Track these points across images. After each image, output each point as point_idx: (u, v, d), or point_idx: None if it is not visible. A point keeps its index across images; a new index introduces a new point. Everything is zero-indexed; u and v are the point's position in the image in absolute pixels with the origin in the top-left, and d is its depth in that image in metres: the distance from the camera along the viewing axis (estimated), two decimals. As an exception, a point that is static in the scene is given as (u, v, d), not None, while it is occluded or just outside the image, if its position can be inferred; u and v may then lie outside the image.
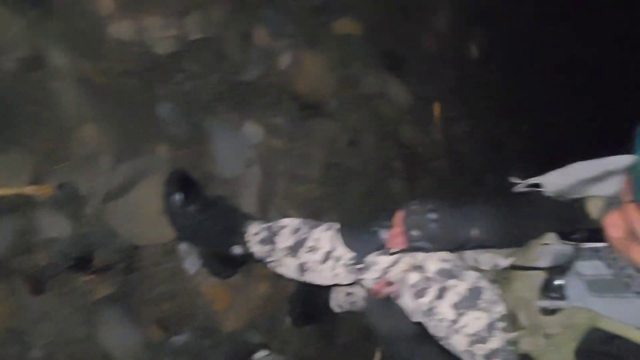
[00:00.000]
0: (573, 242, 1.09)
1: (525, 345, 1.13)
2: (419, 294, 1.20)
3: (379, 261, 1.25)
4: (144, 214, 1.44)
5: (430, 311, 1.19)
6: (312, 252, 1.32)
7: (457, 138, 2.90)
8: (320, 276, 1.33)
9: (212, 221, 1.43)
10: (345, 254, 1.28)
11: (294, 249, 1.34)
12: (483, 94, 3.19)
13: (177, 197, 1.43)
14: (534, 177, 1.17)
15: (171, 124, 1.58)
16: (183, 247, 1.57)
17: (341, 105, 2.11)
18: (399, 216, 1.17)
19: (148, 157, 1.51)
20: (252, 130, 1.80)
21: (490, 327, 1.16)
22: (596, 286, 1.01)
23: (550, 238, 1.16)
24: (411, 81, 2.51)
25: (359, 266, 1.26)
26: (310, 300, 1.82)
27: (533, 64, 3.72)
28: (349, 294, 1.71)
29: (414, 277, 1.21)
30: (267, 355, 1.78)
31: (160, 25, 1.55)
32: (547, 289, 1.08)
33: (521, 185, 1.19)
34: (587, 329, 1.02)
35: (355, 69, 2.16)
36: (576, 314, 1.04)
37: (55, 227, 1.36)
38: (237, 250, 1.44)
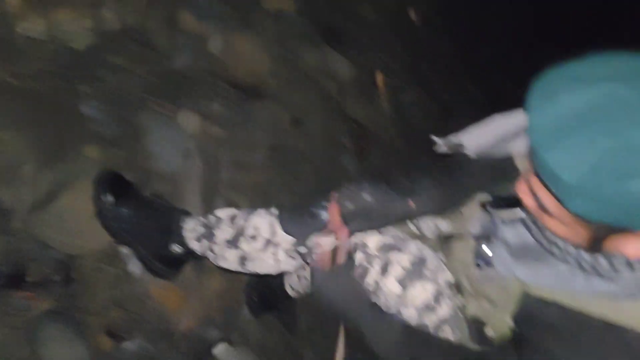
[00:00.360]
0: (495, 210, 1.08)
1: (472, 310, 1.13)
2: (364, 273, 1.19)
3: (321, 243, 1.22)
4: (76, 221, 1.36)
5: (376, 288, 1.18)
6: (252, 241, 1.28)
7: (405, 107, 2.88)
8: (262, 265, 1.30)
9: (147, 222, 1.37)
10: (285, 239, 1.25)
11: (233, 241, 1.30)
12: (428, 60, 3.18)
13: (108, 199, 1.36)
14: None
15: (99, 122, 1.50)
16: (125, 249, 1.50)
17: (281, 85, 2.05)
18: (333, 198, 1.14)
19: (75, 160, 1.43)
20: (189, 121, 1.72)
21: (438, 295, 1.16)
22: (520, 253, 1.01)
23: (475, 208, 1.15)
24: (352, 53, 2.46)
25: (300, 250, 1.23)
26: (265, 288, 1.79)
27: (476, 24, 3.72)
28: (300, 277, 1.69)
29: (357, 257, 1.19)
30: (228, 348, 1.74)
31: (73, 18, 1.45)
32: (478, 257, 1.08)
33: (441, 144, 1.16)
34: (521, 292, 1.01)
35: (292, 46, 2.09)
36: (508, 280, 1.04)
37: (-20, 245, 1.28)
38: (176, 249, 1.39)
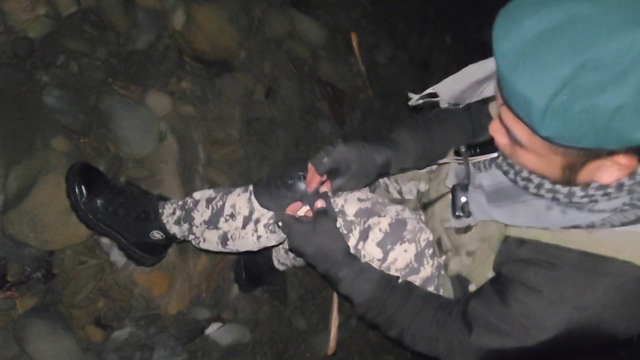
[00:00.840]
0: (470, 157, 1.08)
1: (454, 266, 1.15)
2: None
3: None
4: (51, 217, 1.33)
5: (357, 254, 1.18)
6: (231, 220, 1.27)
7: (380, 64, 2.83)
8: (244, 242, 1.29)
9: (123, 210, 1.35)
10: (264, 213, 1.24)
11: (212, 221, 1.28)
12: (400, 13, 3.10)
13: (81, 192, 1.32)
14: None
15: (63, 112, 1.44)
16: (105, 239, 1.48)
17: (250, 55, 1.99)
18: (310, 166, 1.13)
19: (43, 153, 1.38)
20: (158, 101, 1.67)
21: (419, 256, 1.17)
22: (496, 196, 1.01)
23: (449, 156, 1.15)
24: (321, 14, 2.39)
25: (280, 223, 1.22)
26: (253, 263, 1.78)
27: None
28: (287, 250, 1.68)
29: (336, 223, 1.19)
30: (220, 327, 1.75)
31: (25, 6, 1.38)
32: (455, 208, 1.08)
33: (417, 97, 1.15)
34: (500, 238, 1.02)
35: (258, 13, 2.02)
36: (487, 226, 1.05)
37: (-46, 250, 1.25)
38: (156, 235, 1.37)
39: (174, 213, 1.34)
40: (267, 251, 1.75)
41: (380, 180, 1.48)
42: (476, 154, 1.07)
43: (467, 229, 1.10)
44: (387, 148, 1.17)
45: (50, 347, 1.34)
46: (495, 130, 0.89)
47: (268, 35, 2.08)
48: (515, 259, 0.98)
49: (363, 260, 1.18)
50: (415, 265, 1.17)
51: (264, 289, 1.91)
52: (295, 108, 2.19)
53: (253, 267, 1.78)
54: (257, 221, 1.25)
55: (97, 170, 1.40)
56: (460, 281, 1.17)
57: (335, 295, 2.11)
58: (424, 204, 1.31)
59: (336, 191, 1.18)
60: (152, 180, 1.63)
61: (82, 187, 1.33)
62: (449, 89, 1.11)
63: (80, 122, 1.47)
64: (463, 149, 1.10)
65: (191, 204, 1.33)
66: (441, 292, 1.20)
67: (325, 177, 1.16)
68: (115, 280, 1.52)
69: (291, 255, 1.69)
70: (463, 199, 1.07)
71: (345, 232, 1.19)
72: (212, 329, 1.73)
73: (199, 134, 1.80)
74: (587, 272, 0.88)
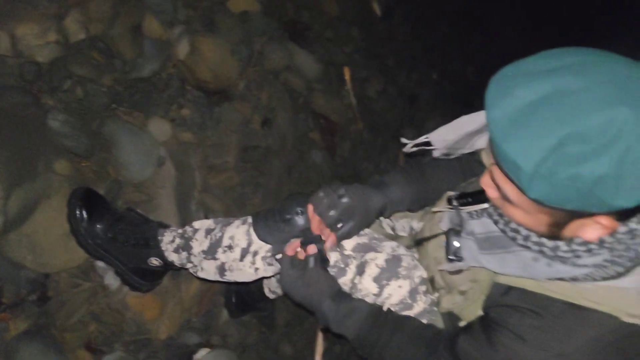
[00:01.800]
0: (462, 207, 1.13)
1: (446, 304, 1.18)
2: (340, 273, 1.22)
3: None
4: (49, 240, 1.34)
5: (353, 288, 1.21)
6: (229, 251, 1.29)
7: (370, 98, 2.91)
8: (242, 274, 1.31)
9: (122, 237, 1.36)
10: (262, 246, 1.27)
11: (210, 251, 1.31)
12: (391, 49, 3.20)
13: (82, 216, 1.34)
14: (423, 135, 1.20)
15: (67, 136, 1.46)
16: (100, 263, 1.49)
17: (249, 85, 2.04)
18: (311, 209, 1.16)
19: (46, 176, 1.40)
20: (159, 127, 1.70)
21: (413, 292, 1.21)
22: (486, 244, 1.06)
23: (442, 205, 1.20)
24: (317, 49, 2.46)
25: (277, 257, 1.25)
26: (244, 289, 1.80)
27: (435, 12, 3.75)
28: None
29: (333, 258, 1.22)
30: (209, 352, 1.76)
31: (37, 31, 1.40)
32: (448, 252, 1.12)
33: (410, 144, 1.21)
34: (490, 282, 1.07)
35: (258, 46, 2.08)
36: (478, 270, 1.09)
37: (-48, 270, 1.25)
38: (154, 262, 1.39)
39: (173, 241, 1.37)
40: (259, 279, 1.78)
41: None
42: (468, 204, 1.12)
43: (459, 271, 1.15)
44: (382, 194, 1.21)
45: (42, 370, 1.34)
46: (486, 185, 0.94)
47: (267, 67, 2.13)
48: (503, 304, 1.03)
49: (359, 294, 1.22)
50: (409, 302, 1.22)
51: (252, 314, 1.93)
52: (289, 137, 2.24)
53: (244, 293, 1.80)
54: (255, 254, 1.28)
55: (99, 195, 1.42)
56: (451, 318, 1.21)
57: (319, 332, 2.14)
58: (417, 241, 1.35)
59: (340, 241, 1.21)
60: (150, 205, 1.65)
61: (83, 211, 1.34)
62: (443, 139, 1.17)
63: (83, 146, 1.49)
64: (454, 200, 1.14)
65: (190, 233, 1.35)
66: None
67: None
68: (107, 303, 1.52)
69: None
70: (456, 244, 1.11)
71: (342, 266, 1.22)
72: (201, 355, 1.73)
73: (196, 160, 1.83)
74: (569, 321, 0.93)
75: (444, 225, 1.17)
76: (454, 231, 1.13)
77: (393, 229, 1.53)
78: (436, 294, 1.24)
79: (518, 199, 0.85)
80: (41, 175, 1.40)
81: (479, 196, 1.08)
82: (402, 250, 1.27)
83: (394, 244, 1.28)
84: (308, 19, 2.43)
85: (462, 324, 1.17)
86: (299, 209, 1.23)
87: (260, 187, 2.06)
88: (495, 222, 1.03)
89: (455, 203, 1.14)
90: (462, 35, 3.99)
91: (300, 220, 1.23)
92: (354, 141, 2.70)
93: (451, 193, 1.17)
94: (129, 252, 1.38)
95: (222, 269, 1.32)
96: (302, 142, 2.35)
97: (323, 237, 1.18)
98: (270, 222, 1.26)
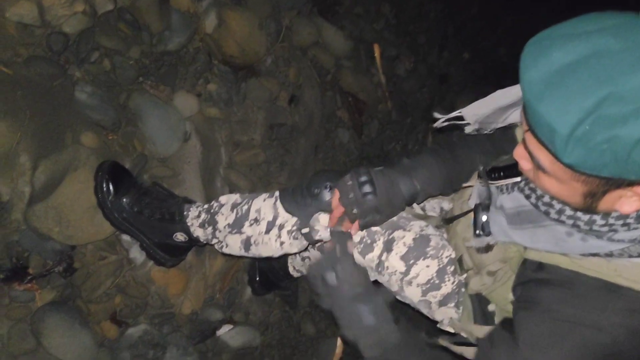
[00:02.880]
0: (493, 181, 1.09)
1: (474, 285, 1.15)
2: (366, 249, 1.19)
3: (323, 221, 1.21)
4: (76, 212, 1.34)
5: (380, 266, 1.19)
6: (255, 224, 1.27)
7: (400, 77, 2.84)
8: (266, 248, 1.29)
9: (148, 211, 1.36)
10: (288, 220, 1.25)
11: (236, 225, 1.29)
12: (422, 27, 3.11)
13: (109, 190, 1.34)
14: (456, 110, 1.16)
15: (94, 108, 1.46)
16: (126, 236, 1.49)
17: (277, 61, 2.01)
18: (336, 197, 1.13)
19: (73, 148, 1.40)
20: (185, 102, 1.68)
21: (441, 272, 1.18)
22: (517, 218, 1.02)
23: (473, 180, 1.16)
24: (347, 25, 2.40)
25: (303, 230, 1.23)
26: (268, 267, 1.79)
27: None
28: (304, 258, 1.69)
29: (359, 234, 1.19)
30: (232, 329, 1.76)
31: (64, 1, 1.38)
32: (476, 227, 1.09)
33: (442, 119, 1.16)
34: (520, 260, 1.04)
35: (286, 21, 2.04)
36: (507, 247, 1.06)
37: (-20, 239, 1.26)
38: (179, 237, 1.38)
39: (199, 216, 1.35)
40: (283, 257, 1.77)
41: None
42: (499, 178, 1.08)
43: (488, 248, 1.11)
44: (412, 181, 1.15)
45: (66, 341, 1.36)
46: (519, 156, 0.90)
47: (295, 42, 2.09)
48: (532, 279, 0.99)
49: (386, 272, 1.19)
50: (437, 282, 1.19)
51: (275, 293, 1.92)
52: (316, 116, 2.20)
53: (268, 271, 1.79)
54: (280, 227, 1.26)
55: (126, 169, 1.42)
56: (479, 300, 1.18)
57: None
58: (447, 221, 1.32)
59: (363, 229, 1.18)
60: (175, 180, 1.64)
61: (110, 185, 1.34)
62: (475, 113, 1.12)
63: (110, 119, 1.48)
64: (487, 173, 1.11)
65: (216, 208, 1.34)
66: (460, 310, 1.21)
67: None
68: (133, 277, 1.53)
69: (307, 263, 1.71)
70: (484, 218, 1.08)
71: (369, 242, 1.19)
72: (224, 331, 1.74)
73: (222, 136, 1.81)
74: (604, 298, 0.89)
75: (473, 202, 1.14)
76: (483, 205, 1.10)
77: (423, 209, 1.49)
78: (464, 275, 1.21)
79: (552, 167, 0.81)
80: (68, 147, 1.40)
81: (511, 170, 1.04)
82: (430, 230, 1.23)
83: (422, 223, 1.25)
84: (338, -7, 2.37)
85: (490, 307, 1.14)
86: (327, 184, 1.21)
87: (286, 165, 2.03)
88: (527, 197, 0.99)
89: (486, 178, 1.10)
90: (494, 14, 3.87)
91: (327, 195, 1.21)
92: (381, 121, 2.65)
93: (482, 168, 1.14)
94: (155, 227, 1.38)
95: (247, 243, 1.30)
96: (329, 120, 2.31)
97: (343, 228, 1.15)
98: (298, 195, 1.24)
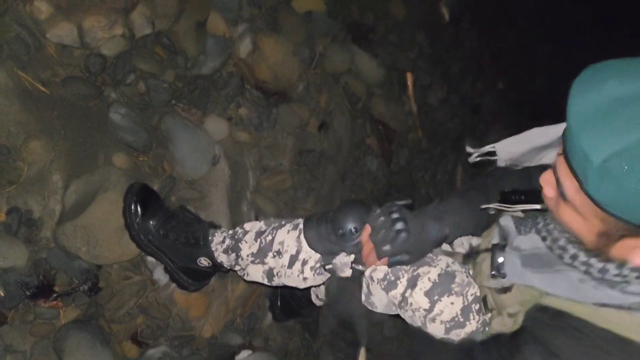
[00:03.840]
0: (512, 205, 1.08)
1: (496, 326, 1.12)
2: (390, 286, 1.17)
3: (348, 262, 1.20)
4: (104, 232, 1.36)
5: (403, 302, 1.16)
6: (278, 257, 1.27)
7: (431, 106, 2.83)
8: (289, 280, 1.29)
9: (174, 234, 1.36)
10: (311, 256, 1.24)
11: (259, 255, 1.28)
12: (456, 56, 3.10)
13: (137, 212, 1.35)
14: (488, 144, 1.14)
15: (127, 130, 1.48)
16: (151, 258, 1.50)
17: (308, 87, 2.02)
18: (367, 232, 1.12)
19: (104, 169, 1.42)
20: (216, 126, 1.70)
21: (466, 310, 1.15)
22: (532, 261, 1.00)
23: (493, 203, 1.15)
24: (380, 52, 2.41)
25: (327, 267, 1.21)
26: (290, 294, 1.78)
27: (505, 20, 3.62)
28: (328, 288, 1.67)
29: (382, 269, 1.17)
30: (250, 354, 1.75)
31: (104, 24, 1.42)
32: (492, 267, 1.07)
33: (476, 153, 1.15)
34: (533, 304, 1.01)
35: (320, 48, 2.05)
36: (525, 291, 1.03)
37: (9, 255, 1.28)
38: (203, 262, 1.38)
39: (223, 241, 1.35)
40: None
41: None
42: (519, 202, 1.07)
43: (506, 289, 1.08)
44: (442, 228, 1.15)
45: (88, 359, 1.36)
46: (546, 181, 0.89)
47: (327, 69, 2.10)
48: (548, 325, 0.96)
49: (409, 308, 1.17)
50: (462, 320, 1.15)
51: (296, 320, 1.90)
52: (345, 143, 2.20)
53: (290, 298, 1.77)
54: (304, 262, 1.25)
55: (154, 191, 1.43)
56: None
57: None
58: (470, 255, 1.29)
59: (391, 267, 1.16)
60: (202, 203, 1.65)
61: (138, 207, 1.35)
62: (508, 151, 1.11)
63: (142, 141, 1.50)
64: (509, 194, 1.10)
65: (240, 235, 1.33)
66: None
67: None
68: (155, 298, 1.53)
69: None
70: (500, 260, 1.06)
71: (393, 278, 1.17)
72: (242, 356, 1.73)
73: (251, 161, 1.82)
74: (610, 353, 0.85)
75: (494, 240, 1.11)
76: (499, 246, 1.07)
77: (451, 245, 1.46)
78: (489, 314, 1.17)
79: (575, 197, 0.79)
80: (100, 168, 1.42)
81: (533, 196, 1.03)
82: (456, 267, 1.21)
83: (449, 259, 1.22)
84: (373, 21, 2.38)
85: None
86: (352, 227, 1.19)
87: (313, 191, 2.03)
88: (543, 238, 0.98)
89: (506, 201, 1.09)
90: (532, 44, 3.84)
91: (352, 238, 1.19)
92: (411, 149, 2.63)
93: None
94: (179, 251, 1.38)
95: (270, 274, 1.30)
96: (358, 148, 2.30)
97: (368, 264, 1.14)
98: (323, 232, 1.22)
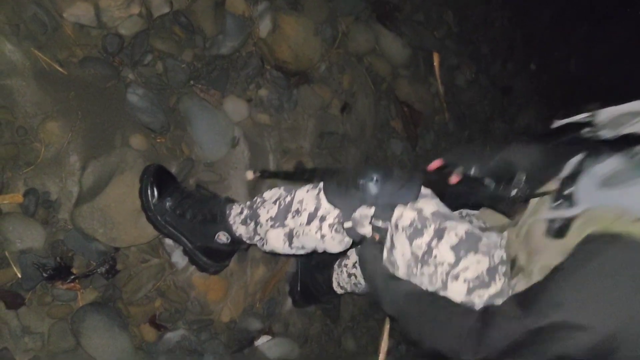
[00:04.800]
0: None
1: (520, 287, 1.05)
2: (415, 234, 1.09)
3: (368, 215, 1.15)
4: (121, 214, 1.35)
5: (427, 254, 1.09)
6: (297, 216, 1.21)
7: (459, 87, 2.74)
8: (307, 239, 1.22)
9: (191, 213, 1.34)
10: (330, 212, 1.18)
11: (278, 217, 1.23)
12: (486, 36, 3.00)
13: (153, 193, 1.33)
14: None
15: (144, 111, 1.46)
16: (168, 240, 1.49)
17: (331, 68, 1.97)
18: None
19: (121, 150, 1.40)
20: (235, 107, 1.67)
21: (492, 270, 1.07)
22: (610, 180, 0.94)
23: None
24: (406, 32, 2.33)
25: (346, 225, 1.16)
26: (311, 280, 1.75)
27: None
28: (350, 274, 1.64)
29: (409, 216, 1.11)
30: (270, 340, 1.73)
31: (121, 3, 1.39)
32: (558, 198, 1.00)
33: (566, 120, 1.12)
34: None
35: (343, 27, 1.99)
36: (593, 218, 0.94)
37: (27, 237, 1.28)
38: (222, 237, 1.35)
39: (241, 212, 1.32)
40: (328, 271, 1.72)
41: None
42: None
43: (563, 231, 0.99)
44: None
45: (105, 343, 1.35)
46: None
47: (350, 49, 2.04)
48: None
49: (433, 261, 1.10)
50: (487, 280, 1.08)
51: (317, 306, 1.88)
52: (368, 125, 2.14)
53: (310, 284, 1.74)
54: (322, 219, 1.19)
55: (170, 173, 1.41)
56: None
57: (387, 320, 2.05)
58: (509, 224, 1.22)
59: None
60: (221, 185, 1.63)
61: (154, 188, 1.33)
62: (607, 110, 1.07)
63: (159, 122, 1.48)
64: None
65: (259, 203, 1.30)
66: None
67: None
68: (173, 281, 1.52)
69: (353, 281, 1.65)
70: (570, 190, 1.00)
71: (419, 226, 1.10)
72: (262, 341, 1.71)
73: (271, 143, 1.78)
74: None
75: (565, 172, 1.05)
76: (570, 178, 1.01)
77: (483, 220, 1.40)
78: (514, 280, 1.11)
79: None
80: (117, 149, 1.40)
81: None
82: (486, 232, 1.15)
83: (481, 223, 1.17)
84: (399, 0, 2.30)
85: None
86: (374, 176, 1.13)
87: (335, 174, 1.98)
88: (624, 155, 0.93)
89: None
90: (566, 23, 3.68)
91: (373, 188, 1.13)
92: (437, 132, 2.56)
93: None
94: (197, 229, 1.36)
95: (290, 236, 1.24)
96: (382, 130, 2.24)
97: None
98: (342, 185, 1.16)
